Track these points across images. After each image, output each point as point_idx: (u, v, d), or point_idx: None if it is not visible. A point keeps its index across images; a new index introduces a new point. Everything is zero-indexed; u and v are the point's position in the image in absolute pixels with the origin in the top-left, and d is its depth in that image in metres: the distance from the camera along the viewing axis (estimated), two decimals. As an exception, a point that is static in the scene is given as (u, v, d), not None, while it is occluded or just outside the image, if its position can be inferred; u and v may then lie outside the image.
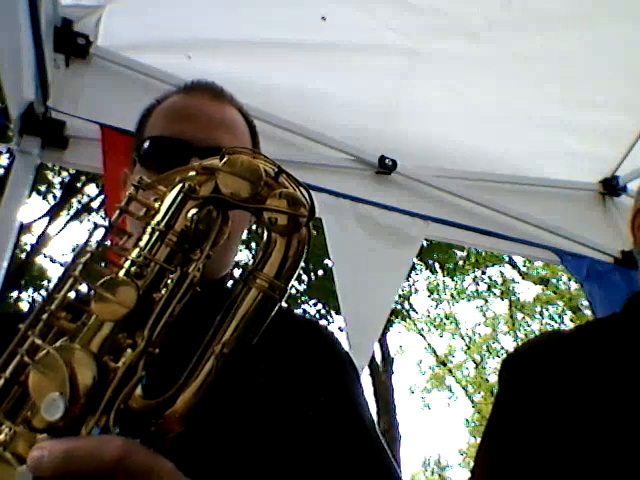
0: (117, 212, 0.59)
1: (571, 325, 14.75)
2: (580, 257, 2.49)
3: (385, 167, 2.25)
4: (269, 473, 0.78)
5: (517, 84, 2.15)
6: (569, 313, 15.05)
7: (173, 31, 1.95)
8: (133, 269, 0.55)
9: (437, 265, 12.13)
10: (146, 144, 0.94)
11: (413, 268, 11.83)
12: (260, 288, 0.57)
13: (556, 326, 15.45)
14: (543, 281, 15.25)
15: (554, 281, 15.04)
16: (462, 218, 2.35)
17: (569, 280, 13.55)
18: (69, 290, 0.55)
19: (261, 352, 0.59)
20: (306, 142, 2.17)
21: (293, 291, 10.28)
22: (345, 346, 1.06)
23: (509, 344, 16.55)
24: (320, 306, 10.44)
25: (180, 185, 0.58)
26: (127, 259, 0.56)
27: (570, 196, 2.58)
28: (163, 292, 0.55)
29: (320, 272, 9.89)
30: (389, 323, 12.24)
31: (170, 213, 0.57)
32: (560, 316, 15.69)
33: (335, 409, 0.89)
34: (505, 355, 1.14)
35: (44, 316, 0.54)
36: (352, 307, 2.14)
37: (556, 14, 1.87)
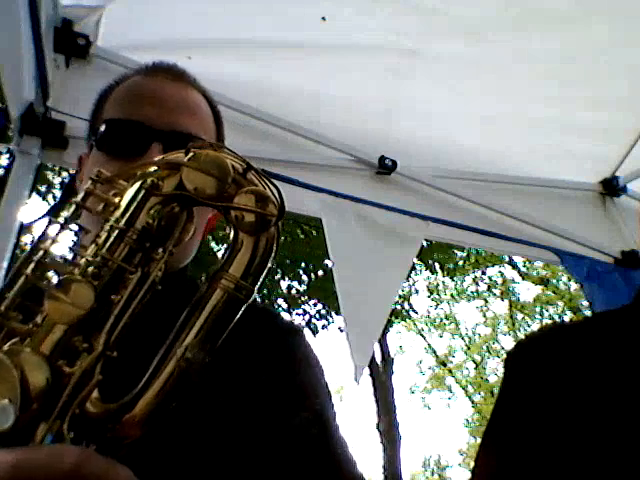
0: (73, 207, 0.56)
1: (571, 325, 14.71)
2: (580, 257, 2.49)
3: (385, 167, 2.25)
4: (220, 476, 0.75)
5: (517, 84, 2.15)
6: (569, 313, 15.04)
7: (173, 31, 1.94)
8: (90, 269, 0.52)
9: (437, 265, 12.12)
10: (103, 127, 0.88)
11: (413, 268, 11.83)
12: (225, 289, 0.55)
13: (556, 326, 15.44)
14: (543, 281, 15.25)
15: (554, 281, 15.04)
16: (462, 218, 2.35)
17: (569, 280, 13.56)
18: (21, 289, 0.52)
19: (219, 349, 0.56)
20: (306, 142, 2.17)
21: (293, 291, 10.28)
22: (309, 340, 0.98)
23: (509, 344, 16.55)
24: (320, 306, 10.43)
25: (142, 180, 0.55)
26: (84, 258, 0.53)
27: (570, 196, 2.58)
28: (122, 293, 0.53)
29: (320, 272, 9.88)
30: (389, 323, 12.24)
31: (131, 210, 0.54)
32: (560, 316, 15.69)
33: (288, 402, 0.84)
34: (506, 354, 1.12)
35: None
36: (352, 307, 2.14)
37: (556, 14, 1.87)
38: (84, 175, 0.94)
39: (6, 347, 0.49)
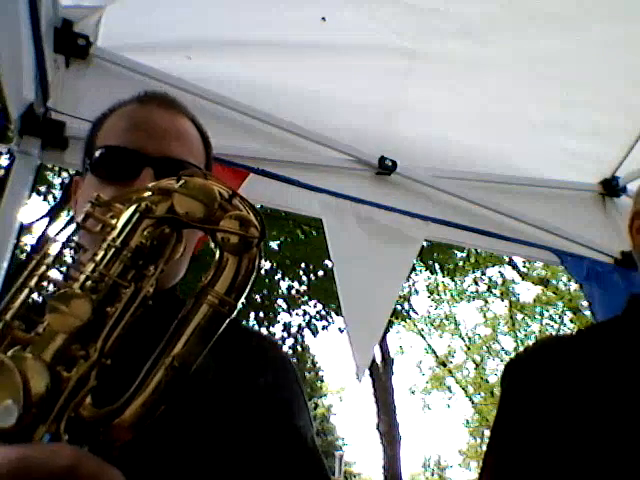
0: (73, 227, 0.61)
1: (571, 326, 14.77)
2: (580, 258, 2.49)
3: (385, 168, 2.25)
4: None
5: (517, 84, 2.15)
6: (569, 314, 15.05)
7: (173, 31, 1.94)
8: (88, 283, 0.57)
9: (437, 266, 12.12)
10: (98, 153, 0.94)
11: (413, 269, 11.83)
12: (210, 304, 0.59)
13: (556, 327, 15.49)
14: (543, 282, 15.25)
15: (554, 282, 15.04)
16: (462, 219, 2.35)
17: (569, 281, 13.55)
18: (25, 301, 0.57)
19: (208, 361, 0.61)
20: (306, 143, 2.17)
21: (293, 292, 10.28)
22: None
23: (509, 345, 16.55)
24: (320, 307, 10.43)
25: (137, 204, 0.60)
26: (82, 273, 0.58)
27: (570, 197, 2.58)
28: (117, 306, 0.57)
29: (320, 273, 9.87)
30: (389, 324, 12.24)
31: (126, 231, 0.59)
32: (560, 317, 15.70)
33: (265, 414, 0.90)
34: (506, 357, 1.15)
35: None
36: (353, 308, 2.14)
37: (556, 14, 1.87)
38: (79, 197, 1.00)
39: (10, 353, 0.53)
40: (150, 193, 0.61)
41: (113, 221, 0.61)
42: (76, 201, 1.01)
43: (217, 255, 0.61)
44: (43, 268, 0.59)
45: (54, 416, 0.51)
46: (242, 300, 0.61)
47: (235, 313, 0.61)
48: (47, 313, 0.54)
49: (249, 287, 0.61)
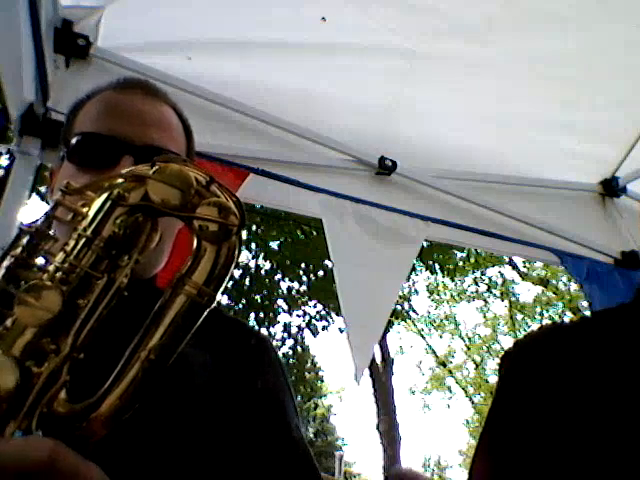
0: (43, 217, 0.59)
1: (571, 326, 14.74)
2: (580, 258, 2.49)
3: (385, 168, 2.25)
4: (192, 475, 0.79)
5: (517, 84, 2.15)
6: (569, 314, 15.04)
7: (173, 31, 1.94)
8: (58, 274, 0.55)
9: (437, 266, 12.13)
10: (75, 140, 0.90)
11: (413, 269, 11.82)
12: (188, 294, 0.57)
13: (556, 327, 15.45)
14: (543, 282, 15.25)
15: (554, 282, 15.04)
16: (462, 219, 2.35)
17: (569, 281, 13.56)
18: None
19: (188, 353, 0.59)
20: (306, 143, 2.17)
21: (293, 292, 10.28)
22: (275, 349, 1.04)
23: (509, 345, 16.56)
24: (320, 307, 10.44)
25: (109, 191, 0.58)
26: (52, 264, 0.56)
27: (570, 197, 2.58)
28: (89, 298, 0.55)
29: (320, 273, 9.88)
30: (389, 324, 12.23)
31: (98, 219, 0.57)
32: (560, 317, 15.69)
33: (260, 411, 0.89)
34: (503, 352, 1.11)
35: None
36: (353, 308, 2.14)
37: (556, 14, 1.87)
38: (55, 186, 0.95)
39: None
40: (123, 180, 0.58)
41: (84, 209, 0.58)
42: (52, 190, 0.97)
43: (195, 244, 0.58)
44: (11, 260, 0.56)
45: (25, 412, 0.50)
46: (221, 291, 0.59)
47: (214, 304, 0.58)
48: (15, 306, 0.52)
49: (229, 277, 0.58)
